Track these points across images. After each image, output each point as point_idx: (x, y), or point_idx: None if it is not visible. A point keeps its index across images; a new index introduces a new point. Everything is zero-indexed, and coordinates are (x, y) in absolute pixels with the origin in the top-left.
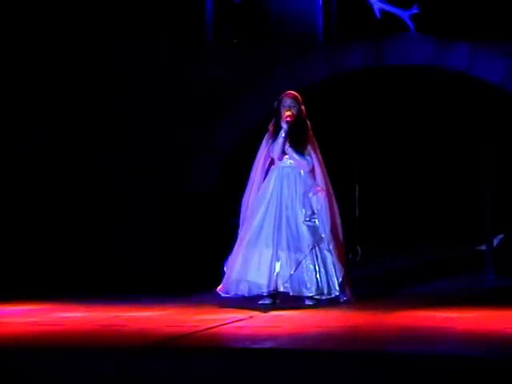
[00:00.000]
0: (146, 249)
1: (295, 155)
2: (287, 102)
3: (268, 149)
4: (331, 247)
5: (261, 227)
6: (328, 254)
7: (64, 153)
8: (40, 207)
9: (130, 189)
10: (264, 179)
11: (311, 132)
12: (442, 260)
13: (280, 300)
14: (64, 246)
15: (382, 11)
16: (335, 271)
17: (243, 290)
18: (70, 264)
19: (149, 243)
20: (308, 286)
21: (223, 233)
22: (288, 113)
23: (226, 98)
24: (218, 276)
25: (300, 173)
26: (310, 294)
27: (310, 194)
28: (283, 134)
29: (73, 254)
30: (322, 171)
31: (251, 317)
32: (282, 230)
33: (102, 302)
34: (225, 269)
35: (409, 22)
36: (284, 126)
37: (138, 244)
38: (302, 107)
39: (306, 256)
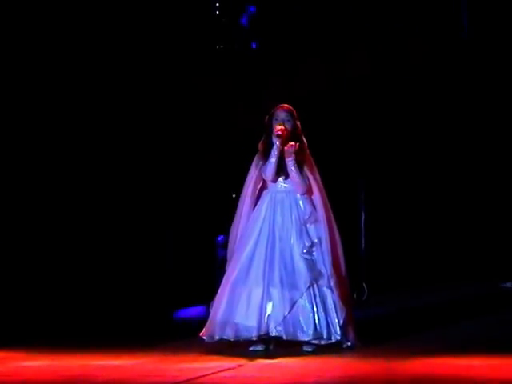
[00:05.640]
0: (121, 287)
1: (296, 172)
2: (280, 115)
3: (259, 170)
4: (332, 284)
5: (250, 261)
6: (328, 292)
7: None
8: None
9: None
10: (255, 206)
11: (308, 151)
12: (462, 298)
13: (274, 346)
14: (30, 287)
15: None
16: (336, 312)
17: (230, 334)
18: (36, 307)
19: (124, 280)
20: (304, 329)
21: (210, 268)
22: (280, 126)
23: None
24: (202, 318)
25: (296, 198)
26: (307, 339)
27: (308, 223)
28: (276, 152)
29: (39, 296)
30: (322, 196)
31: (240, 365)
32: (274, 264)
33: (69, 348)
34: (210, 310)
35: None
36: (276, 141)
37: (112, 282)
38: (298, 123)
39: (302, 294)
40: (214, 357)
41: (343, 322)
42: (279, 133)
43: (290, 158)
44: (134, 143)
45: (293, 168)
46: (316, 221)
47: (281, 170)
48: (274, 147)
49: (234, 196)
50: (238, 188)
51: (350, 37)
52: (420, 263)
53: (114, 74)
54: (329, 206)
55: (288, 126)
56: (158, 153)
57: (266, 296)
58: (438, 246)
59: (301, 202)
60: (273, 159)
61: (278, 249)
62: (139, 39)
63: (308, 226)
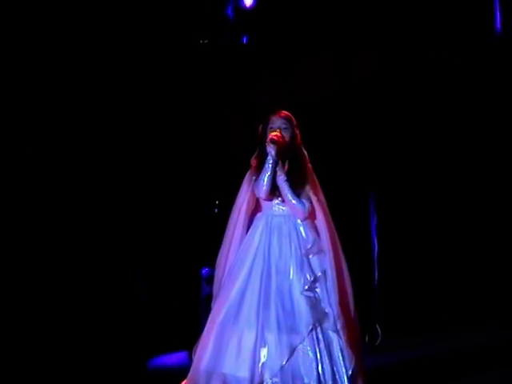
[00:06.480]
0: (86, 331)
1: (289, 194)
2: (277, 122)
3: (252, 188)
4: (339, 326)
5: (241, 299)
6: (334, 336)
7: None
8: None
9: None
10: (247, 232)
11: (310, 166)
12: (492, 345)
13: None
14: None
15: None
16: (344, 360)
17: None
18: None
19: (89, 323)
20: (306, 380)
21: (192, 307)
22: (274, 132)
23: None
24: (184, 366)
25: (296, 223)
26: None
27: (311, 254)
28: (271, 161)
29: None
30: (327, 220)
31: None
32: (270, 302)
33: None
34: (192, 357)
35: None
36: (271, 150)
37: (76, 326)
38: (297, 131)
39: (303, 339)
40: None
41: (352, 371)
42: (274, 138)
43: (281, 176)
44: (105, 154)
45: (286, 187)
46: (320, 251)
47: (277, 188)
48: (269, 157)
49: (216, 203)
50: (226, 212)
51: (357, 33)
52: (442, 301)
53: (95, 80)
54: (335, 232)
55: (286, 135)
56: (132, 166)
57: (260, 341)
58: (462, 284)
59: (302, 228)
60: (268, 171)
61: (274, 284)
62: (135, 40)
63: (310, 256)
